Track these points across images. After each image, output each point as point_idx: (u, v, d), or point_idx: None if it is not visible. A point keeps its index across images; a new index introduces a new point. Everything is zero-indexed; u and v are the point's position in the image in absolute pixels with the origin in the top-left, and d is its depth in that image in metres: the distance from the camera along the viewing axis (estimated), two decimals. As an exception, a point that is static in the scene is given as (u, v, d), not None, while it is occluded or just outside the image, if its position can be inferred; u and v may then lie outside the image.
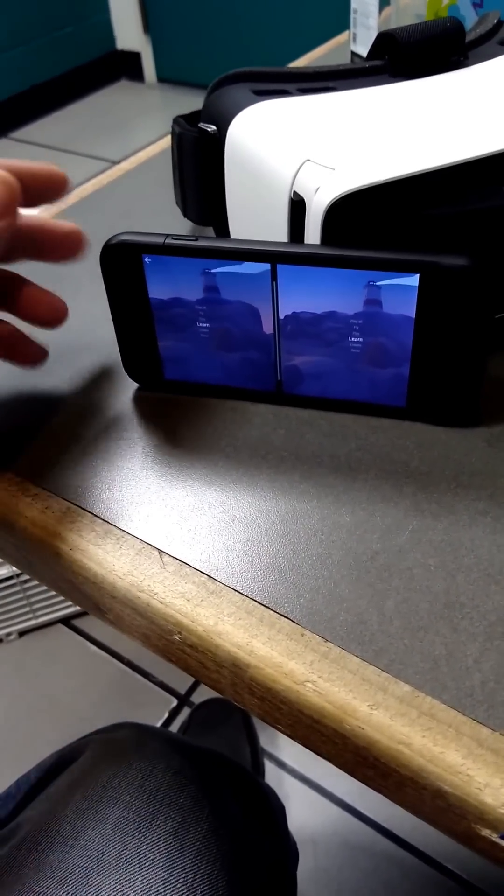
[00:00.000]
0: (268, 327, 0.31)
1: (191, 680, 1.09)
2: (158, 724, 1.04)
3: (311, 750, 0.26)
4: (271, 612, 0.26)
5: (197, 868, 0.39)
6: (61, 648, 1.14)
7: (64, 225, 0.32)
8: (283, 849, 0.51)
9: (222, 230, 0.39)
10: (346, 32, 0.73)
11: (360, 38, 0.61)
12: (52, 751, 0.52)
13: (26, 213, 0.31)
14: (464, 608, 0.26)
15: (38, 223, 0.32)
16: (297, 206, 0.30)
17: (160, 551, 0.29)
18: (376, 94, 0.35)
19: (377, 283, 0.29)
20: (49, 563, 0.30)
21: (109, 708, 1.06)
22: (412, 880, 0.88)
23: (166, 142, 0.55)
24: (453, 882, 0.88)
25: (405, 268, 0.28)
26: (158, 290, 0.32)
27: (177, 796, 0.43)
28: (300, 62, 0.72)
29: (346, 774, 0.26)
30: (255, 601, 0.27)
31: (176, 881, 0.38)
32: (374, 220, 0.30)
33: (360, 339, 0.31)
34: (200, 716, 0.99)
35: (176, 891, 0.38)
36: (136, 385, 0.35)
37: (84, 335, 0.37)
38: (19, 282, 0.33)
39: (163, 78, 2.81)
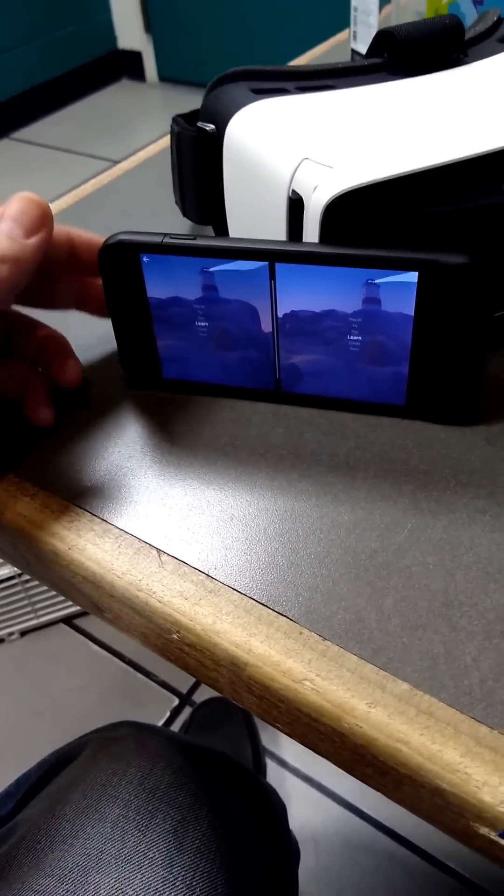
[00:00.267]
0: (266, 326, 0.31)
1: (192, 679, 1.09)
2: (160, 724, 1.04)
3: (309, 748, 0.26)
4: (269, 610, 0.26)
5: (196, 866, 0.39)
6: (63, 648, 1.14)
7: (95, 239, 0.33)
8: (285, 847, 0.51)
9: (221, 229, 0.39)
10: (347, 30, 0.73)
11: (361, 36, 0.61)
12: (54, 750, 0.52)
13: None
14: (462, 606, 0.26)
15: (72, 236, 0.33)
16: (296, 205, 0.30)
17: (158, 550, 0.29)
18: (375, 92, 0.35)
19: (376, 282, 0.29)
20: (47, 563, 0.30)
21: (111, 707, 1.06)
22: (413, 878, 0.88)
23: (166, 141, 0.55)
24: (454, 880, 0.88)
25: (404, 266, 0.28)
26: (157, 289, 0.32)
27: (176, 795, 0.43)
28: (300, 61, 0.72)
29: (347, 773, 0.26)
30: (254, 600, 0.27)
31: (175, 880, 0.38)
32: (373, 218, 0.30)
33: (359, 338, 0.31)
34: (202, 715, 0.99)
35: (175, 889, 0.38)
36: (134, 384, 0.35)
37: (82, 334, 0.37)
38: (57, 342, 0.34)
39: (164, 77, 2.81)
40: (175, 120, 0.39)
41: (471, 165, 0.30)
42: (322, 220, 0.29)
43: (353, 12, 0.61)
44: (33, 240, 0.29)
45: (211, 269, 0.30)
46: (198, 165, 0.38)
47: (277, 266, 0.30)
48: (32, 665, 1.12)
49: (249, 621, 0.26)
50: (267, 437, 0.33)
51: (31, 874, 0.39)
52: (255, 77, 0.37)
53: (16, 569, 1.06)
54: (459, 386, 0.31)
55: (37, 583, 1.09)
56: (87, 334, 0.36)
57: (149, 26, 2.73)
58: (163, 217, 0.47)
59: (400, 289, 0.29)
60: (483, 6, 0.52)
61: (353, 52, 0.63)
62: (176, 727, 1.03)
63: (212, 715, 0.98)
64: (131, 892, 0.38)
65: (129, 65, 2.84)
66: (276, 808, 0.53)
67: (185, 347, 0.33)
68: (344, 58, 0.69)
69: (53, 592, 1.13)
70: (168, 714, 1.05)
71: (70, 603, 1.14)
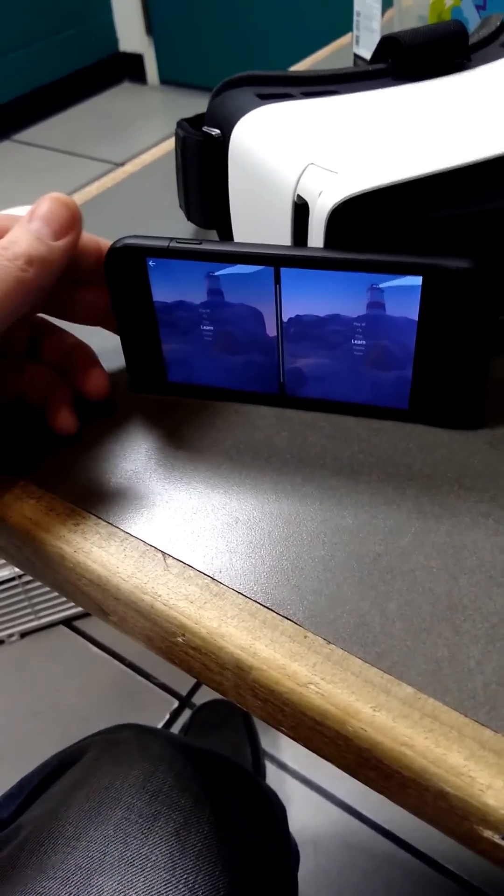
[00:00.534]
0: (271, 330, 0.32)
1: (192, 681, 1.09)
2: (160, 726, 1.04)
3: (313, 752, 0.26)
4: (274, 614, 0.26)
5: (198, 869, 0.39)
6: (63, 650, 1.14)
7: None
8: (285, 850, 0.51)
9: (226, 233, 0.39)
10: (349, 35, 0.73)
11: (363, 41, 0.61)
12: (54, 752, 0.52)
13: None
14: (466, 610, 0.26)
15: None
16: (301, 210, 0.31)
17: (164, 553, 0.29)
18: (380, 98, 0.35)
19: (380, 286, 0.29)
20: (53, 565, 0.30)
21: (111, 709, 1.06)
22: (413, 881, 0.88)
23: (169, 144, 0.55)
24: (454, 883, 0.88)
25: (408, 270, 0.28)
26: (162, 293, 0.32)
27: (178, 797, 0.43)
28: (303, 65, 0.72)
29: (347, 776, 0.26)
30: (259, 603, 0.27)
31: (177, 882, 0.38)
32: (378, 224, 0.30)
33: (363, 342, 0.31)
34: (202, 717, 0.99)
35: (177, 891, 0.38)
36: (140, 387, 0.36)
37: (86, 337, 0.37)
38: (84, 352, 0.34)
39: (165, 80, 2.81)
40: (180, 124, 0.40)
41: (476, 170, 0.30)
42: (327, 224, 0.29)
43: (355, 17, 0.61)
44: (61, 242, 0.29)
45: (216, 274, 0.30)
46: (203, 170, 0.38)
47: (282, 270, 0.30)
48: (32, 666, 1.12)
49: (254, 625, 0.26)
50: (271, 440, 0.33)
51: (33, 876, 0.39)
52: (260, 82, 0.37)
53: (16, 570, 1.06)
54: (463, 390, 0.31)
55: (37, 584, 1.09)
56: (92, 337, 0.37)
57: (150, 29, 2.73)
58: (167, 221, 0.47)
59: (404, 293, 0.29)
60: (486, 11, 0.52)
61: (356, 56, 0.63)
62: (175, 729, 1.03)
63: (211, 717, 0.98)
64: (134, 895, 0.38)
65: (131, 67, 2.85)
66: (275, 811, 0.53)
67: (190, 351, 0.33)
68: (346, 62, 0.69)
69: (53, 594, 1.13)
70: (168, 716, 1.05)
71: (70, 604, 1.14)
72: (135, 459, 0.32)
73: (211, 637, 0.26)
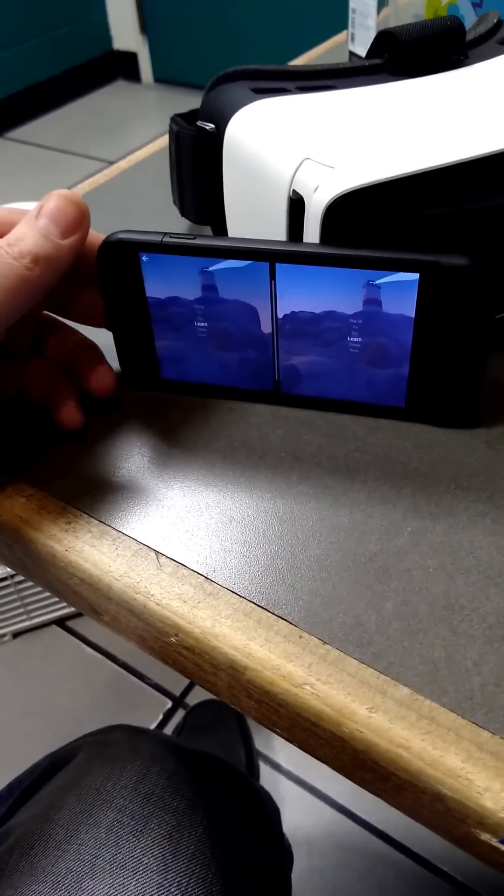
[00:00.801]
0: (266, 327, 0.31)
1: (186, 682, 1.08)
2: (153, 726, 1.04)
3: (308, 753, 0.26)
4: (269, 613, 0.26)
5: (191, 871, 0.39)
6: (56, 650, 1.13)
7: None
8: (278, 851, 0.51)
9: (220, 229, 0.38)
10: (345, 32, 0.72)
11: (359, 38, 0.61)
12: (47, 753, 0.51)
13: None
14: (463, 610, 0.26)
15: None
16: (296, 205, 0.30)
17: (157, 553, 0.28)
18: (376, 93, 0.35)
19: (376, 283, 0.29)
20: (44, 565, 0.30)
21: (104, 710, 1.06)
22: (407, 882, 0.88)
23: (163, 141, 0.55)
24: (448, 884, 0.88)
25: (405, 267, 0.28)
26: (156, 289, 0.31)
27: (171, 799, 0.42)
28: (298, 62, 0.72)
29: (341, 776, 0.26)
30: (253, 603, 0.26)
31: (170, 885, 0.38)
32: (374, 219, 0.29)
33: (359, 339, 0.30)
34: (195, 718, 0.99)
35: (170, 895, 0.38)
36: (132, 384, 0.35)
37: (91, 335, 0.37)
38: (90, 349, 0.34)
39: (159, 78, 2.81)
40: (174, 119, 0.39)
41: (473, 167, 0.30)
42: (323, 220, 0.29)
43: (351, 14, 0.61)
44: (68, 241, 0.28)
45: (210, 269, 0.30)
46: (197, 165, 0.38)
47: (278, 266, 0.29)
48: (24, 667, 1.12)
49: (249, 625, 0.26)
50: (266, 438, 0.32)
51: (24, 880, 0.39)
52: (255, 76, 0.37)
53: (8, 569, 1.05)
54: (460, 388, 0.31)
55: (29, 584, 1.08)
56: (93, 334, 0.36)
57: (144, 27, 2.73)
58: (161, 217, 0.46)
59: (401, 290, 0.29)
60: (482, 8, 0.52)
61: (351, 53, 0.63)
62: (169, 730, 1.02)
63: (205, 718, 0.98)
64: (126, 898, 0.37)
65: (125, 66, 2.84)
66: (269, 812, 0.52)
67: (184, 348, 0.33)
68: (341, 60, 0.69)
69: (46, 593, 1.12)
70: (161, 716, 1.04)
71: (63, 604, 1.14)
72: (127, 457, 0.32)
73: (205, 637, 0.26)
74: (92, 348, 0.34)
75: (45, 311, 0.34)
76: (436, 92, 0.35)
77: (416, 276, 0.28)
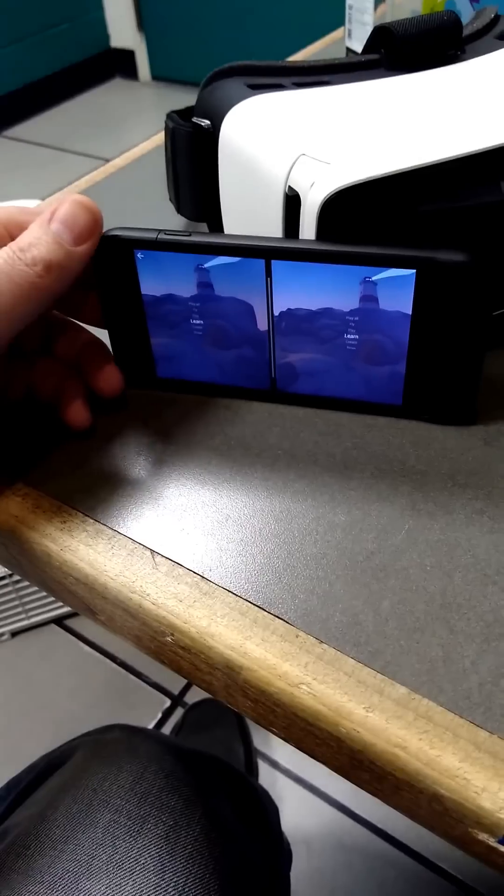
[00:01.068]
0: (262, 324, 0.31)
1: (184, 681, 1.08)
2: (151, 725, 1.03)
3: (305, 753, 0.26)
4: (265, 613, 0.26)
5: (189, 872, 0.39)
6: (54, 649, 1.13)
7: None
8: (277, 850, 0.51)
9: (216, 226, 0.38)
10: (342, 29, 0.72)
11: (356, 35, 0.60)
12: (45, 752, 0.51)
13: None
14: (461, 609, 0.25)
15: None
16: (292, 201, 0.30)
17: (152, 551, 0.28)
18: (372, 88, 0.35)
19: (373, 280, 0.28)
20: (39, 564, 0.30)
21: (102, 709, 1.06)
22: (407, 881, 0.88)
23: (160, 138, 0.54)
24: (448, 882, 0.88)
25: (402, 263, 0.28)
26: (151, 286, 0.31)
27: (168, 799, 0.42)
28: (295, 59, 0.71)
29: (343, 778, 0.25)
30: (249, 602, 0.26)
31: (167, 885, 0.38)
32: (371, 216, 0.29)
33: (356, 337, 0.30)
34: (194, 716, 0.99)
35: (167, 895, 0.38)
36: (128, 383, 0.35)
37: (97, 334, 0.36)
38: (99, 349, 0.33)
39: (157, 76, 2.80)
40: (170, 116, 0.39)
41: (471, 163, 0.29)
42: (319, 216, 0.29)
43: (347, 10, 0.60)
44: (81, 248, 0.28)
45: (206, 266, 0.30)
46: (193, 161, 0.38)
47: (273, 263, 0.29)
48: (23, 666, 1.12)
49: (245, 624, 0.26)
50: (262, 436, 0.32)
51: (20, 880, 0.38)
52: (250, 72, 0.36)
53: (7, 569, 1.05)
54: (457, 386, 0.31)
55: (28, 583, 1.08)
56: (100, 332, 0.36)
57: (142, 25, 2.72)
58: (157, 214, 0.46)
59: (397, 287, 0.29)
60: (479, 4, 0.52)
61: (348, 50, 0.62)
62: (167, 729, 1.02)
63: (204, 716, 0.98)
64: (123, 899, 0.37)
65: (122, 63, 2.84)
66: (268, 811, 0.52)
67: (180, 346, 0.33)
68: (339, 56, 0.68)
69: (44, 593, 1.12)
70: (160, 715, 1.04)
71: (61, 604, 1.14)
72: (123, 456, 0.32)
73: (200, 636, 0.26)
74: (100, 348, 0.33)
75: (55, 311, 0.34)
76: (432, 87, 0.35)
77: (412, 272, 0.28)
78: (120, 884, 0.37)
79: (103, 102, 2.71)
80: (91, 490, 0.30)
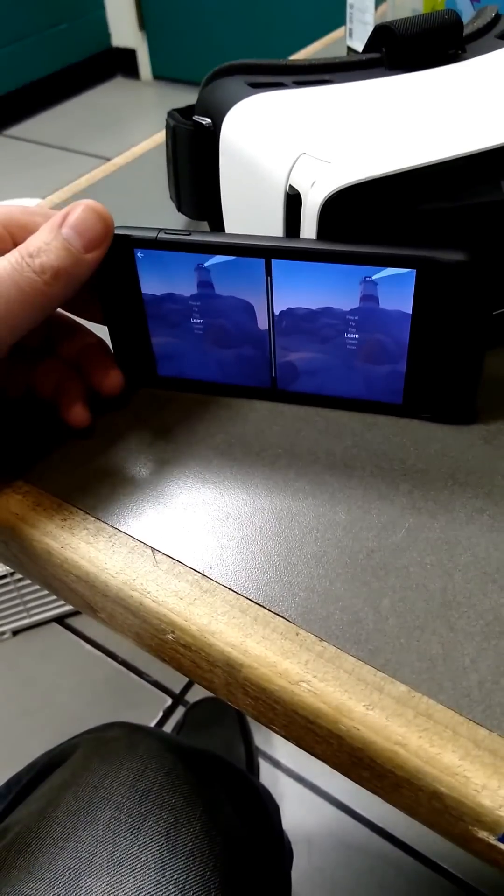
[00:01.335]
0: (262, 323, 0.31)
1: (185, 679, 1.08)
2: (153, 724, 1.04)
3: (305, 750, 0.26)
4: (266, 610, 0.26)
5: (189, 869, 0.39)
6: (55, 647, 1.13)
7: None
8: (277, 848, 0.51)
9: (217, 225, 0.38)
10: (343, 28, 0.72)
11: (357, 34, 0.60)
12: (45, 751, 0.51)
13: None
14: (461, 607, 0.25)
15: None
16: (293, 200, 0.30)
17: (153, 549, 0.28)
18: (373, 87, 0.35)
19: (373, 279, 0.29)
20: (40, 562, 0.30)
21: (104, 707, 1.06)
22: (407, 879, 0.88)
23: (161, 136, 0.54)
24: (448, 881, 0.88)
25: (402, 263, 0.28)
26: (151, 285, 0.31)
27: (169, 797, 0.42)
28: (296, 58, 0.71)
29: (343, 776, 0.25)
30: (250, 600, 0.26)
31: (168, 883, 0.38)
32: (371, 215, 0.29)
33: (356, 336, 0.30)
34: (195, 715, 0.99)
35: (167, 892, 0.38)
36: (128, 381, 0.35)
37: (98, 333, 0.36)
38: (101, 349, 0.33)
39: (158, 75, 2.80)
40: (171, 114, 0.39)
41: (472, 162, 0.29)
42: (320, 215, 0.29)
43: (348, 9, 0.60)
44: (90, 256, 0.28)
45: (206, 265, 0.30)
46: (193, 160, 0.38)
47: (274, 262, 0.29)
48: (24, 665, 1.12)
49: (245, 622, 0.26)
50: (263, 435, 0.32)
51: (21, 878, 0.38)
52: (251, 71, 0.36)
53: (8, 567, 1.05)
54: (457, 384, 0.31)
55: (29, 582, 1.08)
56: (101, 331, 0.36)
57: (143, 24, 2.72)
58: (158, 213, 0.46)
59: (398, 286, 0.29)
60: (480, 3, 0.52)
61: (349, 49, 0.62)
62: (169, 727, 1.02)
63: (205, 715, 0.98)
64: (123, 896, 0.37)
65: (124, 62, 2.84)
66: (269, 809, 0.52)
67: (181, 345, 0.33)
68: (339, 55, 0.68)
69: (46, 591, 1.12)
70: (161, 714, 1.04)
71: (62, 602, 1.14)
72: (124, 454, 0.32)
73: (201, 634, 0.26)
74: (102, 348, 0.33)
75: (58, 310, 0.34)
76: (433, 87, 0.35)
77: (412, 272, 0.28)
78: (120, 881, 0.38)
79: (104, 102, 2.71)
80: (92, 488, 0.30)
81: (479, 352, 0.30)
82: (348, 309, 0.30)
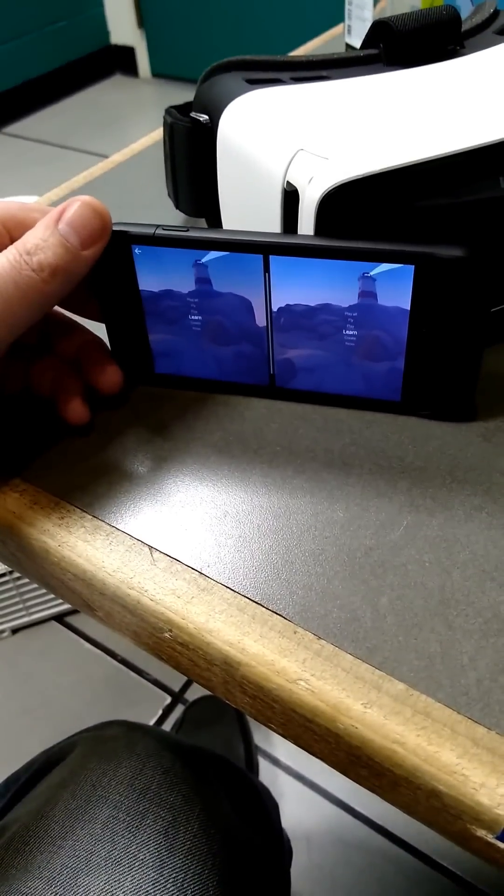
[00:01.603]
0: (260, 320, 0.31)
1: (185, 677, 1.08)
2: (152, 722, 1.03)
3: (304, 749, 0.26)
4: (263, 609, 0.26)
5: (187, 868, 0.39)
6: (55, 646, 1.13)
7: None
8: (277, 846, 0.51)
9: (215, 222, 0.38)
10: (342, 25, 0.72)
11: (355, 30, 0.60)
12: (45, 749, 0.51)
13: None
14: (459, 605, 0.25)
15: None
16: (291, 197, 0.30)
17: (150, 547, 0.28)
18: (371, 83, 0.35)
19: (372, 275, 0.28)
20: (37, 560, 0.30)
21: (103, 705, 1.06)
22: (406, 877, 0.88)
23: (158, 134, 0.54)
24: (447, 879, 0.88)
25: (400, 259, 0.28)
26: (149, 282, 0.31)
27: (167, 795, 0.42)
28: (295, 54, 0.71)
29: (341, 774, 0.25)
30: (247, 598, 0.26)
31: (166, 881, 0.38)
32: (369, 211, 0.29)
33: (355, 332, 0.30)
34: (194, 713, 0.99)
35: (166, 891, 0.38)
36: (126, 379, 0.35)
37: (96, 330, 0.36)
38: (99, 347, 0.33)
39: (157, 73, 2.80)
40: (168, 111, 0.39)
41: (470, 158, 0.29)
42: (317, 212, 0.29)
43: (347, 6, 0.60)
44: (87, 252, 0.28)
45: (204, 262, 0.30)
46: (191, 157, 0.38)
47: (272, 259, 0.29)
48: (24, 663, 1.12)
49: (243, 620, 0.26)
50: (261, 432, 0.32)
51: (18, 876, 0.38)
52: (249, 67, 0.36)
53: (7, 566, 1.05)
54: (456, 382, 0.31)
55: (28, 580, 1.08)
56: (99, 329, 0.36)
57: (142, 21, 2.72)
58: (155, 210, 0.46)
59: (396, 282, 0.28)
60: (479, -1, 0.51)
61: (348, 46, 0.62)
62: (168, 725, 1.02)
63: (204, 713, 0.98)
64: (121, 895, 0.37)
65: (122, 60, 2.83)
66: (268, 807, 0.52)
67: (178, 342, 0.33)
68: (338, 52, 0.68)
69: (45, 590, 1.12)
70: (160, 712, 1.04)
71: (62, 601, 1.14)
72: (121, 452, 0.32)
73: (199, 633, 0.25)
74: (100, 346, 0.33)
75: (56, 308, 0.33)
76: (431, 82, 0.34)
77: (411, 268, 0.28)
78: (119, 879, 0.37)
79: (103, 99, 2.70)
80: (89, 486, 0.30)
81: (477, 349, 0.30)
82: (346, 305, 0.29)
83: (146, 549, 0.28)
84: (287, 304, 0.30)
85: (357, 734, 0.23)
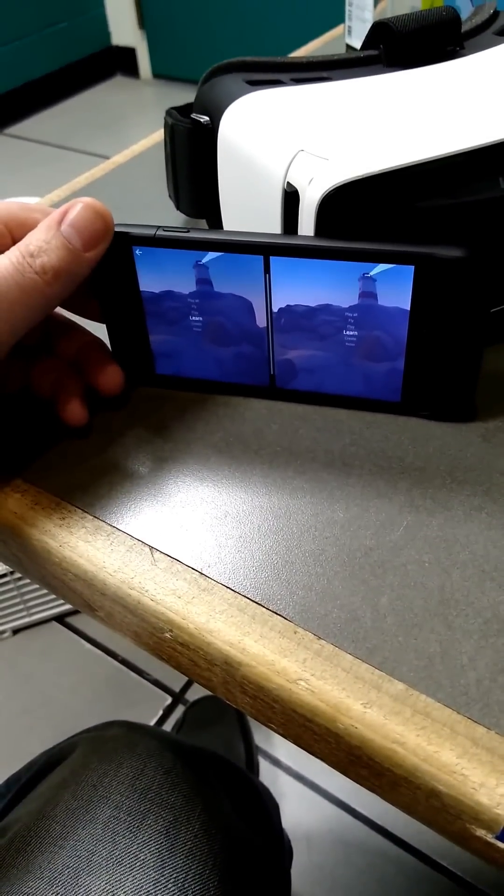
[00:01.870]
0: (261, 321, 0.31)
1: (185, 678, 1.08)
2: (153, 723, 1.04)
3: (304, 749, 0.26)
4: (264, 609, 0.26)
5: (188, 868, 0.39)
6: (55, 646, 1.13)
7: None
8: (277, 846, 0.51)
9: (216, 223, 0.38)
10: (342, 26, 0.72)
11: (356, 31, 0.60)
12: (46, 749, 0.51)
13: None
14: (459, 605, 0.25)
15: None
16: (291, 198, 0.30)
17: (151, 548, 0.28)
18: (371, 84, 0.35)
19: (372, 276, 0.28)
20: (39, 560, 0.30)
21: (104, 706, 1.06)
22: (407, 877, 0.88)
23: (159, 135, 0.54)
24: (447, 879, 0.88)
25: (400, 259, 0.28)
26: (150, 283, 0.31)
27: (168, 795, 0.42)
28: (295, 55, 0.71)
29: (341, 774, 0.25)
30: (248, 598, 0.26)
31: (167, 881, 0.38)
32: (370, 212, 0.29)
33: (355, 333, 0.30)
34: (195, 713, 0.99)
35: (167, 891, 0.38)
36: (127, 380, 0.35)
37: (97, 331, 0.36)
38: (99, 348, 0.33)
39: (158, 74, 2.80)
40: (169, 112, 0.39)
41: (469, 158, 0.29)
42: (318, 213, 0.29)
43: (347, 7, 0.60)
44: (90, 254, 0.28)
45: (205, 263, 0.30)
46: (192, 158, 0.38)
47: (272, 260, 0.29)
48: (24, 663, 1.12)
49: (243, 620, 0.26)
50: (261, 433, 0.32)
51: (20, 877, 0.38)
52: (249, 68, 0.36)
53: (8, 566, 1.05)
54: (456, 382, 0.31)
55: (29, 580, 1.08)
56: (99, 329, 0.36)
57: (143, 22, 2.72)
58: (156, 211, 0.46)
59: (396, 283, 0.28)
60: (478, 0, 0.52)
61: (348, 47, 0.62)
62: (169, 726, 1.02)
63: (205, 713, 0.98)
64: (122, 895, 0.37)
65: (123, 61, 2.83)
66: (268, 807, 0.52)
67: (179, 343, 0.33)
68: (339, 53, 0.68)
69: (46, 590, 1.12)
70: (161, 713, 1.04)
71: (63, 601, 1.14)
72: (122, 453, 0.32)
73: (199, 633, 0.26)
74: (101, 347, 0.33)
75: (57, 309, 0.34)
76: (431, 83, 0.35)
77: (411, 268, 0.28)
78: (120, 879, 0.38)
79: (104, 100, 2.71)
80: (90, 487, 0.30)
81: (477, 349, 0.30)
82: (347, 306, 0.30)
83: (147, 549, 0.28)
84: (287, 305, 0.30)
85: (357, 734, 0.23)
